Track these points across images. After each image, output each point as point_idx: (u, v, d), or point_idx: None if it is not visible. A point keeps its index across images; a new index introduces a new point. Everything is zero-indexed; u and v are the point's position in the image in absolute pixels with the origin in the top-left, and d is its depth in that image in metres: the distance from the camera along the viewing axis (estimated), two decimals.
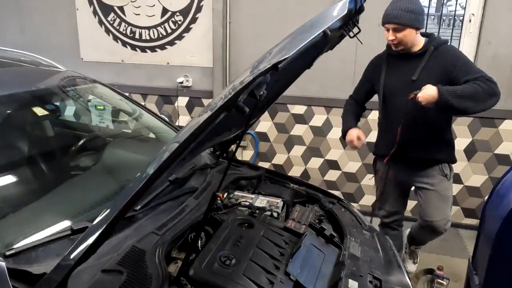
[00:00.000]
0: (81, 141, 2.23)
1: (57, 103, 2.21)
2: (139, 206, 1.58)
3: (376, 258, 1.73)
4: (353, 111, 2.56)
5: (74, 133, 2.46)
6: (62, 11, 3.91)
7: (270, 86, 1.68)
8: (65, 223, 1.42)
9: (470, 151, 3.25)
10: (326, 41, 1.60)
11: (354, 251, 1.70)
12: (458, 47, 3.16)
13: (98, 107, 2.75)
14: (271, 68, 0.87)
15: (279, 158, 3.74)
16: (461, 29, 3.12)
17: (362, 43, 1.89)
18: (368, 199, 3.49)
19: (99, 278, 1.22)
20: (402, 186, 2.49)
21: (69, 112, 2.90)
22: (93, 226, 1.01)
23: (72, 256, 1.01)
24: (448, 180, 2.33)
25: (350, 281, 1.49)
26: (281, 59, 0.88)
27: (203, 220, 1.17)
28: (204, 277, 1.34)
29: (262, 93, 0.96)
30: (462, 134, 3.19)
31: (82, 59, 3.98)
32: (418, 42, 2.25)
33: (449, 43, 2.29)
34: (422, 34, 2.29)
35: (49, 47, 3.88)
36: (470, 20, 3.04)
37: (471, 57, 3.11)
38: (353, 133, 2.42)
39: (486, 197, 3.26)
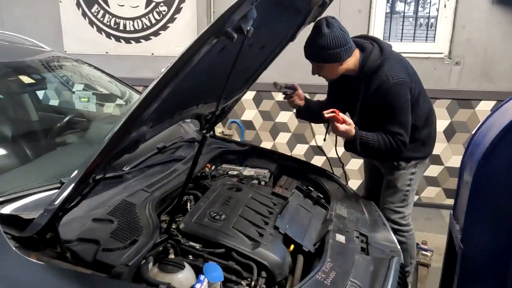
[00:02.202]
0: (66, 120, 2.23)
1: (40, 77, 2.20)
2: (128, 168, 1.59)
3: (362, 219, 1.77)
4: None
5: (59, 116, 2.46)
6: (44, 4, 3.89)
7: (255, 52, 1.75)
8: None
9: (449, 133, 3.35)
10: (308, 5, 1.66)
11: (341, 212, 1.74)
12: (434, 34, 3.28)
13: (82, 99, 2.75)
14: None
15: (265, 146, 3.77)
16: (437, 15, 3.25)
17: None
18: (353, 184, 3.55)
19: (90, 225, 1.23)
20: (375, 173, 2.37)
21: (55, 93, 2.87)
22: (76, 173, 1.02)
23: (56, 202, 1.02)
24: (399, 170, 2.11)
25: (338, 235, 1.53)
26: None
27: (193, 164, 1.20)
28: (194, 229, 1.36)
29: (249, 28, 1.00)
30: (441, 116, 3.29)
31: (65, 51, 3.95)
32: (349, 66, 1.92)
33: (384, 62, 1.90)
34: (359, 45, 1.95)
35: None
36: (445, 5, 3.17)
37: (447, 42, 3.24)
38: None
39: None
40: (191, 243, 1.32)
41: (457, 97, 3.24)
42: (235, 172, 1.98)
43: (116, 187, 1.47)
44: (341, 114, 1.88)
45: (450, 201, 3.49)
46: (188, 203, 1.63)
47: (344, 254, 1.42)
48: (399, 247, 1.61)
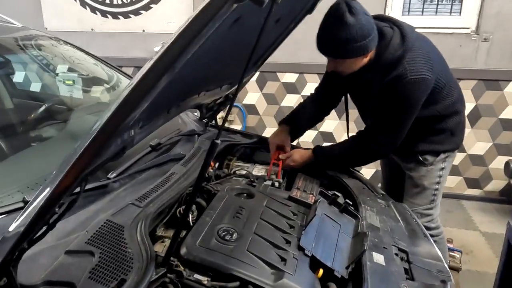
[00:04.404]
0: (44, 110, 1.91)
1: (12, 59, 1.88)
2: (114, 174, 1.28)
3: (398, 228, 1.49)
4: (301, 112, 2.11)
5: (37, 102, 2.13)
6: None
7: (269, 26, 1.42)
8: (18, 195, 1.11)
9: (473, 117, 3.06)
10: None
11: (373, 221, 1.46)
12: (461, 7, 2.93)
13: (67, 81, 2.42)
14: None
15: (270, 132, 3.42)
16: None
17: None
18: (367, 174, 3.27)
19: (63, 261, 0.93)
20: (393, 168, 2.09)
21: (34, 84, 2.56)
22: (39, 193, 0.71)
23: (11, 233, 0.72)
24: (425, 166, 1.85)
25: (375, 254, 1.25)
26: None
27: (200, 177, 0.88)
28: (200, 256, 1.06)
29: None
30: (466, 98, 2.99)
31: (46, 28, 3.58)
32: (370, 56, 1.61)
33: (405, 53, 1.58)
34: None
35: (6, 15, 3.45)
36: None
37: (474, 15, 2.89)
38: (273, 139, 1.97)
39: (491, 166, 3.11)
40: (196, 276, 1.03)
41: (484, 78, 2.93)
42: (243, 172, 1.68)
43: (99, 201, 1.16)
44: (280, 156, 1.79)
45: (471, 191, 3.25)
46: (190, 215, 1.32)
47: (386, 280, 1.15)
48: (446, 265, 1.34)
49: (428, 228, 1.93)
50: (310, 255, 1.18)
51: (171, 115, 1.22)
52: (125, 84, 2.14)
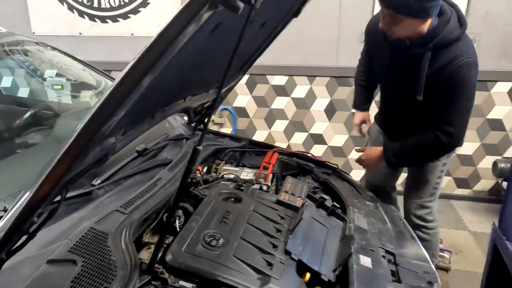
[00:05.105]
0: (30, 115, 1.89)
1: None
2: (99, 181, 1.27)
3: (385, 230, 1.50)
4: (363, 87, 2.16)
5: (23, 108, 2.11)
6: None
7: (254, 30, 1.42)
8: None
9: None
10: None
11: (360, 223, 1.46)
12: None
13: (55, 86, 2.40)
14: None
15: (260, 135, 3.46)
16: None
17: None
18: (357, 174, 3.27)
19: (44, 271, 0.91)
20: None
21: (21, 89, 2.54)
22: (17, 201, 0.70)
23: None
24: (432, 161, 1.91)
25: (362, 256, 1.26)
26: None
27: (181, 186, 0.88)
28: (185, 263, 1.05)
29: None
30: None
31: (33, 33, 3.54)
32: (426, 27, 1.58)
33: (462, 37, 1.59)
34: None
35: None
36: None
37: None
38: (357, 118, 2.20)
39: (480, 166, 3.13)
40: (181, 282, 1.02)
41: None
42: (232, 176, 1.67)
43: (83, 208, 1.15)
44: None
45: (461, 191, 3.27)
46: (177, 221, 1.32)
47: (372, 283, 1.16)
48: (433, 265, 1.35)
49: (425, 220, 2.00)
50: (296, 259, 1.18)
51: (155, 120, 1.21)
52: None
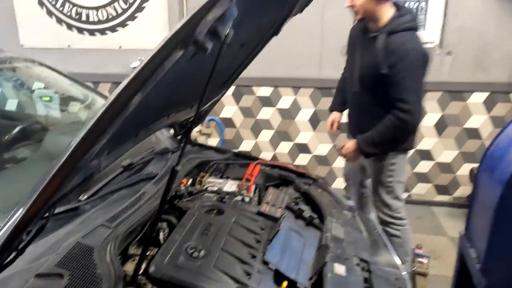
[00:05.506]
0: (18, 130, 1.93)
1: None
2: (85, 196, 1.33)
3: (361, 239, 1.57)
4: (339, 90, 2.43)
5: (12, 123, 2.15)
6: None
7: (234, 51, 1.49)
8: None
9: (440, 126, 3.20)
10: None
11: (337, 233, 1.53)
12: (425, 19, 3.08)
13: (43, 98, 2.44)
14: None
15: (247, 144, 3.54)
16: (427, 1, 3.04)
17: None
18: (341, 182, 3.36)
19: (32, 285, 0.96)
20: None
21: (6, 98, 2.58)
22: (7, 220, 0.76)
23: None
24: (380, 161, 2.14)
25: (336, 265, 1.33)
26: None
27: (162, 202, 0.94)
28: (167, 274, 1.11)
29: (227, 32, 0.75)
30: (432, 109, 3.13)
31: (22, 45, 3.58)
32: (381, 16, 1.95)
33: (408, 32, 1.92)
34: (396, 4, 2.00)
35: None
36: None
37: (438, 30, 3.05)
38: (330, 118, 2.43)
39: (459, 172, 3.25)
40: None
41: (448, 89, 3.07)
42: (215, 188, 1.74)
43: (70, 223, 1.20)
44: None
45: (441, 197, 3.38)
46: (161, 233, 1.38)
47: None
48: (403, 272, 1.43)
49: (391, 217, 2.21)
50: (274, 268, 1.24)
51: (140, 138, 1.27)
52: (100, 104, 2.19)
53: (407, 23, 1.92)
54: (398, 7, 1.99)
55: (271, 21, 1.59)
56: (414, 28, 1.94)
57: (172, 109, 1.48)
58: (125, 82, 0.72)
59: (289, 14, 1.63)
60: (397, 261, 1.48)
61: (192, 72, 1.19)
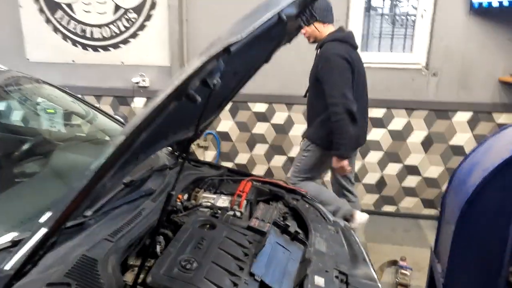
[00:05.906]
0: (27, 145, 2.07)
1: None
2: (90, 212, 1.46)
3: (342, 253, 1.70)
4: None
5: (20, 138, 2.28)
6: (2, 8, 3.64)
7: (227, 78, 1.63)
8: (6, 235, 1.28)
9: (426, 143, 3.34)
10: (283, 30, 1.56)
11: (320, 247, 1.67)
12: (412, 43, 3.24)
13: (48, 110, 2.58)
14: (223, 51, 0.80)
15: (242, 157, 3.68)
16: (414, 26, 3.21)
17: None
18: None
19: None
20: None
21: (15, 116, 2.71)
22: (32, 232, 0.90)
23: (7, 268, 0.90)
24: (300, 150, 2.71)
25: (316, 277, 1.46)
26: (233, 41, 0.81)
27: (159, 222, 1.08)
28: (163, 284, 1.25)
29: (215, 82, 0.89)
30: (419, 127, 3.28)
31: (28, 59, 3.73)
32: (322, 36, 2.50)
33: (335, 42, 2.44)
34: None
35: None
36: (422, 16, 3.13)
37: (424, 52, 3.20)
38: None
39: (444, 188, 3.38)
40: None
41: (434, 108, 3.22)
42: (209, 203, 1.87)
43: (76, 237, 1.34)
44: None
45: (428, 211, 3.51)
46: (158, 246, 1.51)
47: None
48: (379, 285, 1.56)
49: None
50: (259, 280, 1.38)
51: (139, 161, 1.41)
52: (100, 120, 2.34)
53: (336, 36, 2.43)
54: (339, 29, 2.53)
55: (262, 52, 1.74)
56: (342, 40, 2.41)
57: (170, 136, 1.62)
58: (134, 124, 0.84)
59: (279, 44, 1.79)
60: (374, 274, 1.61)
61: (187, 109, 1.34)
